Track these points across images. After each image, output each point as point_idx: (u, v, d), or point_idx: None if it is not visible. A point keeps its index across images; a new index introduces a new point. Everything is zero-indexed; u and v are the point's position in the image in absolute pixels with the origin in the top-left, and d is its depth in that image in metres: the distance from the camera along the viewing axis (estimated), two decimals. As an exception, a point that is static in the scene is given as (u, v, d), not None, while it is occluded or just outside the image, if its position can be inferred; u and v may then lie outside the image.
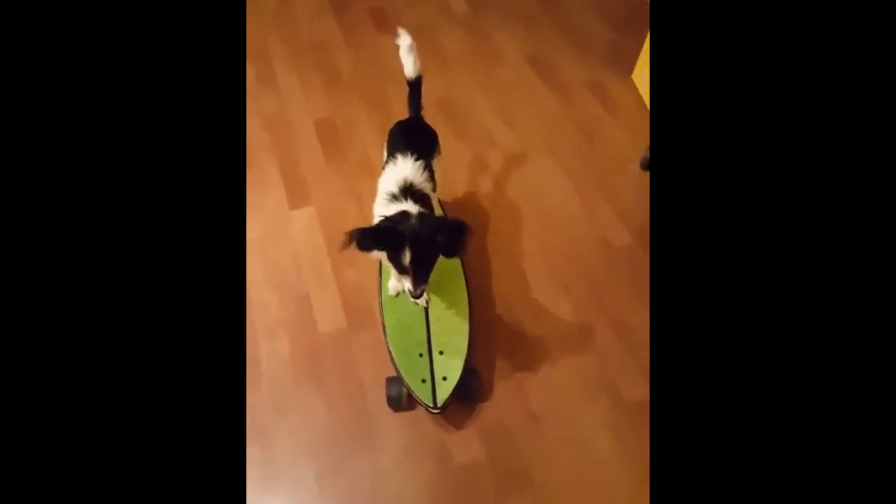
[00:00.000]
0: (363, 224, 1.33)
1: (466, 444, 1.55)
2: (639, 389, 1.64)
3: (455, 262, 1.80)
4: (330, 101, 2.45)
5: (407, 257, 1.27)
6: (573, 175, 2.20)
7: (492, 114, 2.42)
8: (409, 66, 1.66)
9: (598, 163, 2.25)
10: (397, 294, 1.72)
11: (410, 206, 1.41)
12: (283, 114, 2.40)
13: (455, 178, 2.16)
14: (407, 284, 1.36)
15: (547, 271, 1.92)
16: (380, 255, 1.44)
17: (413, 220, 1.32)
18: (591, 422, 1.59)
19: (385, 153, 1.71)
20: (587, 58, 2.66)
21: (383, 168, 1.62)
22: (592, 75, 2.58)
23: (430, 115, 1.81)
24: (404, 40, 1.62)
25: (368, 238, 1.28)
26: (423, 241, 1.28)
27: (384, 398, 1.59)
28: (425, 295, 1.69)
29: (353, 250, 1.25)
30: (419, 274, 1.32)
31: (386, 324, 1.66)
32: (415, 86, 1.72)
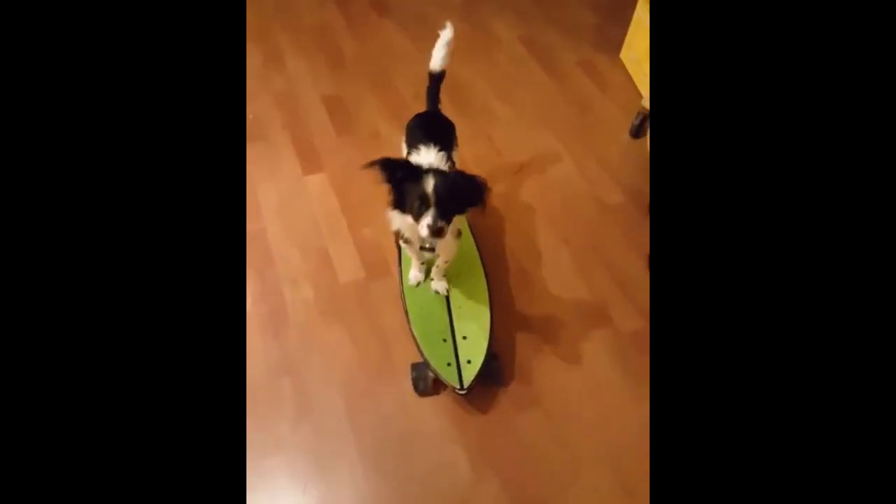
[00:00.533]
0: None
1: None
2: (636, 322, 1.79)
3: (472, 253, 1.84)
4: (336, 81, 2.59)
5: (430, 185, 1.31)
6: (569, 145, 2.36)
7: (491, 93, 2.58)
8: (439, 60, 1.71)
9: (592, 133, 2.42)
10: (418, 284, 1.77)
11: None
12: (292, 92, 2.53)
13: (459, 152, 2.30)
14: (426, 221, 1.32)
15: (551, 227, 2.07)
16: (402, 223, 1.45)
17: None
18: (592, 350, 1.74)
19: (405, 146, 1.73)
20: (577, 41, 2.85)
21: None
22: (583, 56, 2.76)
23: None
24: (446, 33, 1.67)
25: (393, 164, 1.35)
26: (444, 173, 1.37)
27: (404, 338, 1.70)
28: (446, 283, 1.74)
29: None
30: (441, 203, 1.31)
31: (409, 312, 1.70)
32: (437, 79, 1.75)
